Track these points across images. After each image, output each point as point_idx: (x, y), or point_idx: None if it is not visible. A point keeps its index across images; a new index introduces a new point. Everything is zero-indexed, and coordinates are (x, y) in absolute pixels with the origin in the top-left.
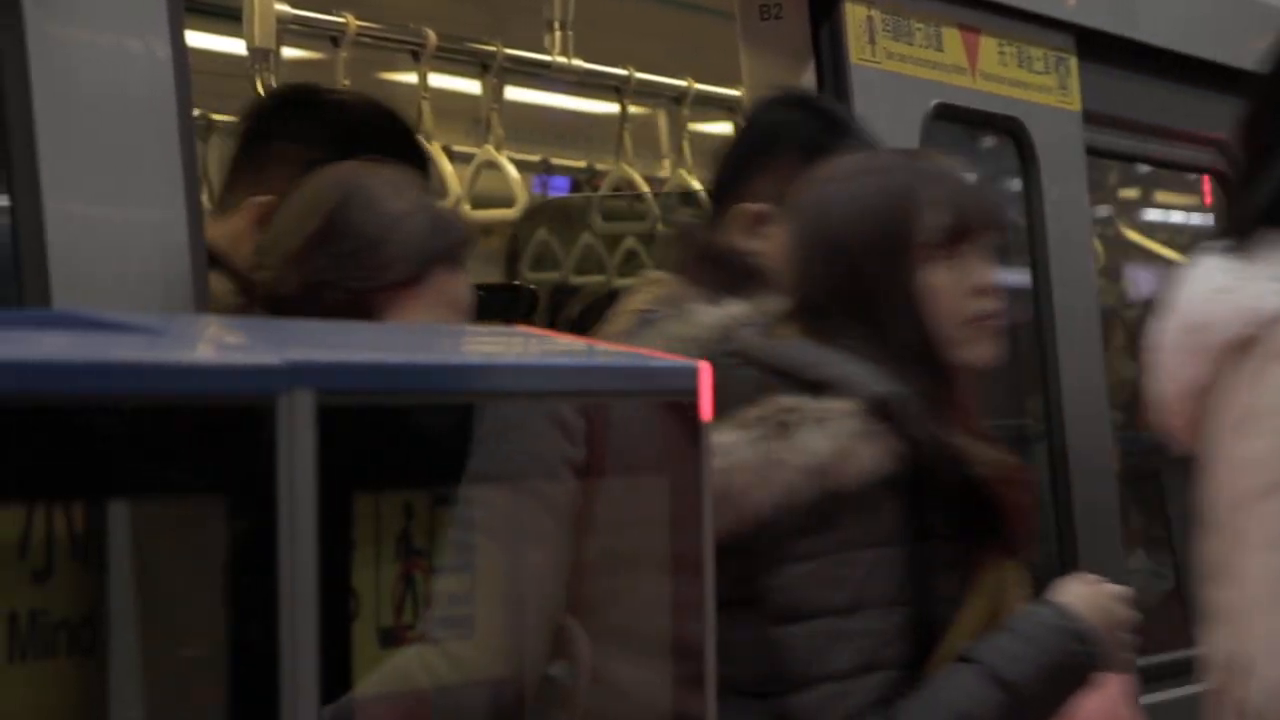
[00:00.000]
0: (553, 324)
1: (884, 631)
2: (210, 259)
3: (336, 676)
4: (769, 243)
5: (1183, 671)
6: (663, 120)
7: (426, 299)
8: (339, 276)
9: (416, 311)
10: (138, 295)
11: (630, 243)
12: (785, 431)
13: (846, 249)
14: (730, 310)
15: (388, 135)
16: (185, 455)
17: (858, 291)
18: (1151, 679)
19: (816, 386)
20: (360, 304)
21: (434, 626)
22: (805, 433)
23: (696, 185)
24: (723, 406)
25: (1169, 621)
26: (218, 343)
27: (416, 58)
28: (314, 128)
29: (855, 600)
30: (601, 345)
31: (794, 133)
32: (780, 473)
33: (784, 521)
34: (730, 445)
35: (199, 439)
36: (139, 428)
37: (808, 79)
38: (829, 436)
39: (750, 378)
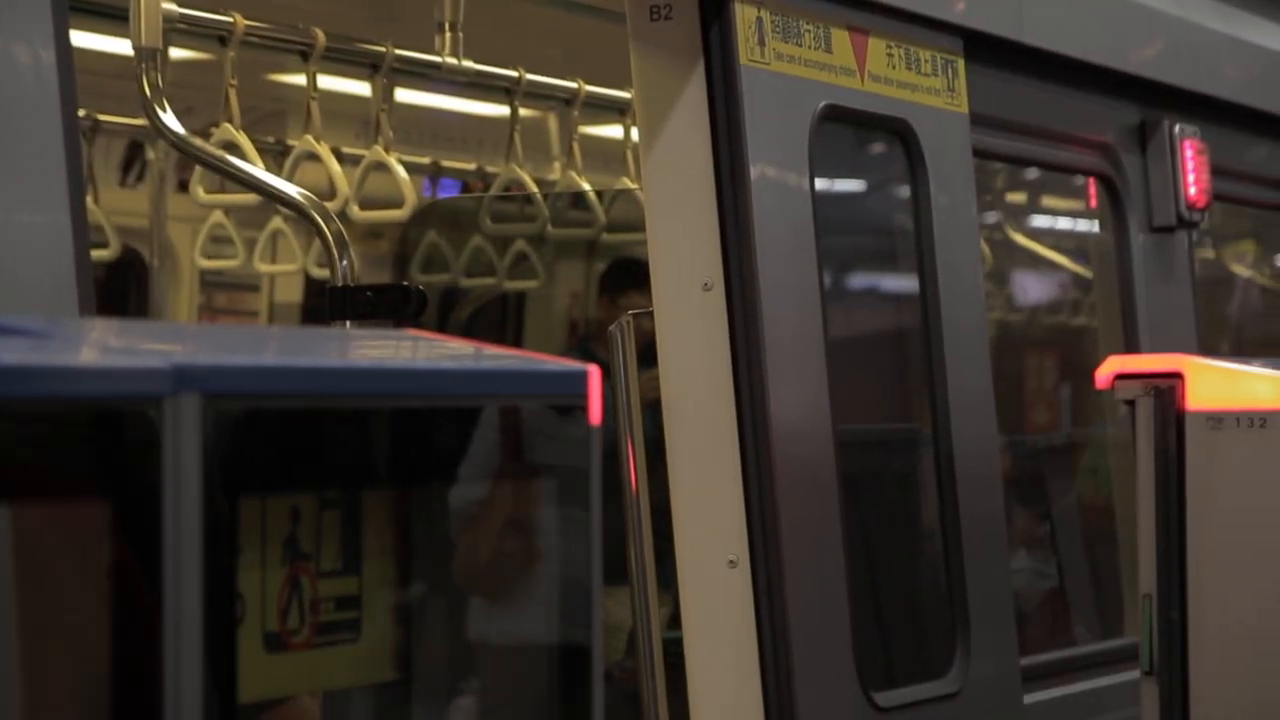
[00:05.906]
0: (442, 326)
1: None
2: None
3: (221, 681)
4: None
5: (1064, 670)
6: (553, 122)
7: None
8: None
9: None
10: (22, 297)
11: (520, 245)
12: None
13: None
14: None
15: None
16: (68, 459)
17: None
18: (1035, 678)
19: None
20: None
21: (320, 631)
22: None
23: (587, 187)
24: None
25: (1052, 621)
26: (103, 346)
27: (305, 58)
28: None
29: None
30: (490, 349)
31: None
32: None
33: None
34: None
35: (82, 442)
36: (21, 430)
37: (697, 80)
38: None
39: None
